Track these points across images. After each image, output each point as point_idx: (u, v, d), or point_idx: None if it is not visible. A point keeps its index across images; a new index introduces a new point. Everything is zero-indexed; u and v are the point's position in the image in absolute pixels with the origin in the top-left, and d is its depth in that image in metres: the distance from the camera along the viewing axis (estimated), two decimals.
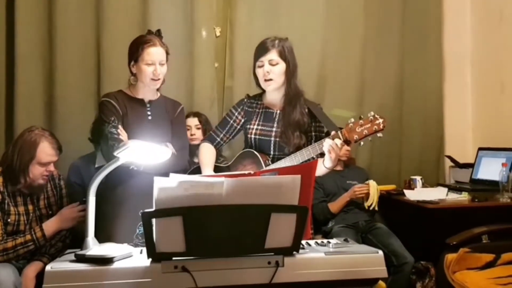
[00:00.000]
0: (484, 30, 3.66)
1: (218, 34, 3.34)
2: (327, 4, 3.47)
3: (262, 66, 2.17)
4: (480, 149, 3.39)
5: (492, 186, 3.02)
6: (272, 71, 2.15)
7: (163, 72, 2.18)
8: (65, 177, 2.57)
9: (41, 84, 3.08)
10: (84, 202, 1.66)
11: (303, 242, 1.65)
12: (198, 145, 2.72)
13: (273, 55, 2.16)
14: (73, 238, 2.40)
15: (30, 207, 2.31)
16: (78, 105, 3.08)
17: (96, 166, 2.59)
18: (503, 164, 2.95)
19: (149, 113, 2.23)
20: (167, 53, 2.21)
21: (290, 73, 2.18)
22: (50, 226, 2.24)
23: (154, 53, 2.14)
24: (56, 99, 3.06)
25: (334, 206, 3.04)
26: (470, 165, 3.39)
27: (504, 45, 3.44)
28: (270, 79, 2.16)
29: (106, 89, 2.89)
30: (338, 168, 3.12)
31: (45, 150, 2.24)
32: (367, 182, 3.03)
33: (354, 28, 3.52)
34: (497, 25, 3.50)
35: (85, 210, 1.91)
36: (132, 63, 2.19)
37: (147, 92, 2.24)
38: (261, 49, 2.18)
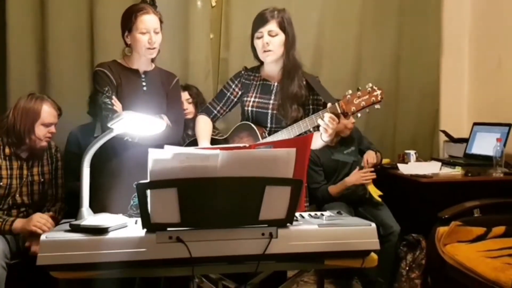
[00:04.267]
0: (483, 5, 3.62)
1: (213, 4, 3.28)
2: None
3: (261, 37, 2.14)
4: (475, 124, 3.40)
5: (485, 161, 3.05)
6: (272, 42, 2.13)
7: (158, 40, 2.15)
8: (61, 149, 2.57)
9: (34, 55, 3.04)
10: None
11: (297, 214, 1.66)
12: (192, 118, 2.72)
13: (272, 26, 2.13)
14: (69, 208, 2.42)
15: (25, 172, 2.33)
16: (72, 76, 3.04)
17: (95, 135, 2.59)
18: (497, 139, 2.96)
19: (144, 84, 2.21)
20: (161, 21, 2.17)
21: (289, 45, 2.16)
22: (17, 224, 2.19)
23: (148, 20, 2.11)
24: (49, 70, 3.03)
25: (334, 189, 2.96)
26: (465, 140, 3.41)
27: (502, 20, 3.41)
28: (269, 50, 2.14)
29: (99, 59, 2.84)
30: (333, 143, 3.02)
31: (48, 111, 2.31)
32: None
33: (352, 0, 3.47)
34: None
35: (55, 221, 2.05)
36: (126, 33, 2.16)
37: (142, 63, 2.22)
38: (260, 20, 2.15)
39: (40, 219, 2.13)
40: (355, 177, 2.92)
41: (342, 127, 2.95)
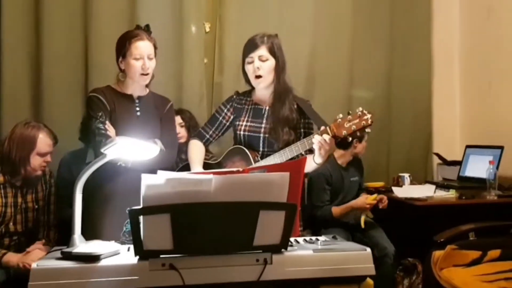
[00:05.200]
0: (472, 28, 3.69)
1: (207, 30, 3.32)
2: (316, 1, 3.47)
3: (252, 62, 2.17)
4: (467, 146, 3.42)
5: (479, 183, 3.05)
6: (262, 67, 2.16)
7: (152, 66, 2.16)
8: (53, 173, 2.55)
9: (28, 79, 3.04)
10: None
11: (292, 239, 1.65)
12: (185, 142, 2.72)
13: (262, 51, 2.16)
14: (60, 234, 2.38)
15: (19, 199, 2.30)
16: (65, 100, 3.04)
17: (87, 161, 2.57)
18: (490, 162, 2.97)
19: (137, 109, 2.21)
20: (155, 47, 2.19)
21: (280, 69, 2.18)
22: (10, 257, 2.15)
23: (142, 47, 2.12)
24: (43, 94, 3.03)
25: (338, 211, 2.92)
26: (458, 163, 3.42)
27: (492, 43, 3.47)
28: (260, 76, 2.16)
29: (93, 84, 2.85)
30: (344, 164, 3.08)
31: (44, 140, 2.28)
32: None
33: (343, 24, 3.54)
34: (485, 22, 3.52)
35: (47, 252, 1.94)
36: (120, 59, 2.17)
37: (136, 88, 2.22)
38: (251, 46, 2.18)
39: (39, 252, 2.09)
40: (361, 201, 2.91)
41: (360, 148, 3.06)
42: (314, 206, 2.92)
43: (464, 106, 3.77)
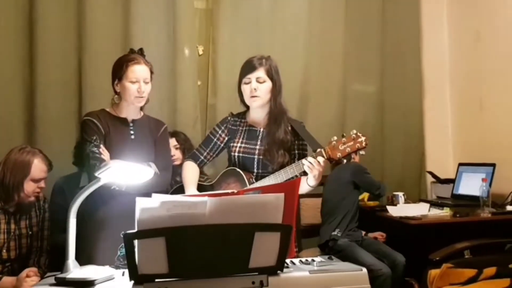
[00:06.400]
0: (461, 49, 3.76)
1: (200, 52, 3.36)
2: (308, 24, 3.53)
3: (249, 83, 2.19)
4: (460, 164, 3.44)
5: (473, 201, 3.07)
6: (259, 88, 2.18)
7: (147, 90, 2.18)
8: (47, 198, 2.53)
9: (21, 104, 3.05)
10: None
11: (288, 261, 1.64)
12: (180, 164, 2.72)
13: (260, 73, 2.18)
14: (53, 260, 2.35)
15: (13, 226, 2.28)
16: (59, 126, 3.05)
17: (81, 186, 2.56)
18: (483, 179, 3.00)
19: (132, 132, 2.22)
20: (151, 72, 2.20)
21: (276, 92, 2.20)
22: (5, 283, 2.14)
23: (138, 70, 2.14)
24: (37, 120, 3.03)
25: None
26: (451, 181, 3.44)
27: (481, 62, 3.53)
28: (256, 96, 2.18)
29: (88, 109, 2.86)
30: None
31: (39, 166, 2.27)
32: None
33: (335, 47, 3.60)
34: (474, 43, 3.59)
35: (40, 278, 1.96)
36: (116, 81, 2.18)
37: (130, 111, 2.23)
38: (249, 67, 2.20)
39: (30, 281, 2.05)
40: None
41: (357, 160, 3.15)
42: (377, 187, 3.09)
43: (455, 125, 3.81)
